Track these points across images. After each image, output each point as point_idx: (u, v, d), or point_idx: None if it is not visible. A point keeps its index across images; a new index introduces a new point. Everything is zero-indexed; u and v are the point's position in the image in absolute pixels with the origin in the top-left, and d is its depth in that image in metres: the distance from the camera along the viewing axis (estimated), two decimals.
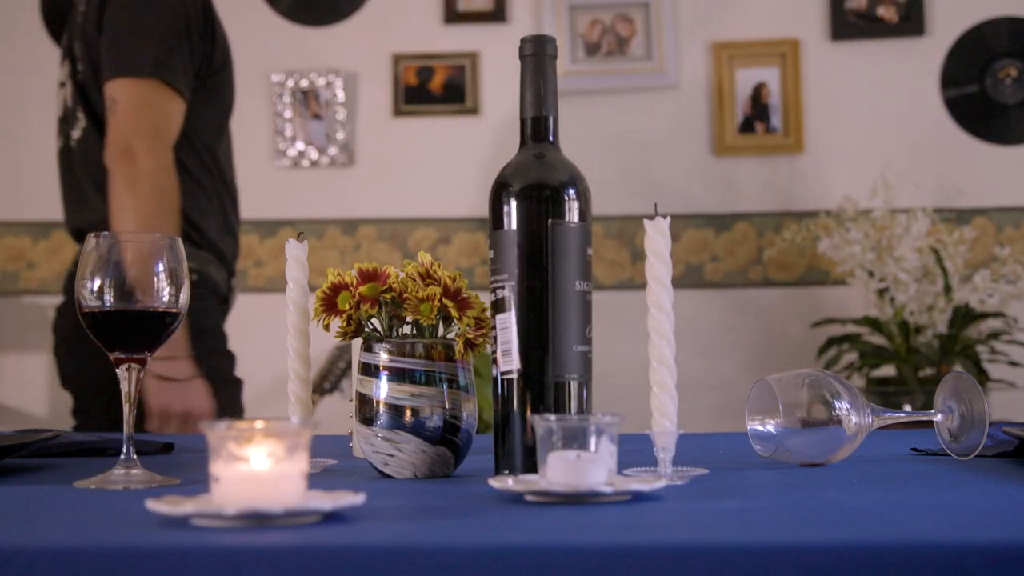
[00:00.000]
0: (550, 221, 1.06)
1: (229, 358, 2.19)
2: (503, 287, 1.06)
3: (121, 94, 1.96)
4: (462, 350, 1.10)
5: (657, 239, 1.01)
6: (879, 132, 3.62)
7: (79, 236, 2.09)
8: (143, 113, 1.95)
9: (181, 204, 2.01)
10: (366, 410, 1.08)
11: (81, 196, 2.12)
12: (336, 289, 1.11)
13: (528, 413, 1.05)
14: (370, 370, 1.08)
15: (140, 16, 1.98)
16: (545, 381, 1.05)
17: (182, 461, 1.30)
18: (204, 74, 2.06)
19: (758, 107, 3.64)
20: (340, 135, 3.75)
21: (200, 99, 2.07)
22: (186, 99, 2.00)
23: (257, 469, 0.78)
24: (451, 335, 1.12)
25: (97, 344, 1.11)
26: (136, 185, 1.92)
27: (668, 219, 1.02)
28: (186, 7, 2.02)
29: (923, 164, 3.57)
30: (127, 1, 2.00)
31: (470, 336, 1.10)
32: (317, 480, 1.02)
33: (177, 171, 2.02)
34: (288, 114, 3.76)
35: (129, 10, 2.00)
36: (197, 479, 1.07)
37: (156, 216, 1.92)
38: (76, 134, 2.12)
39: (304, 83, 3.76)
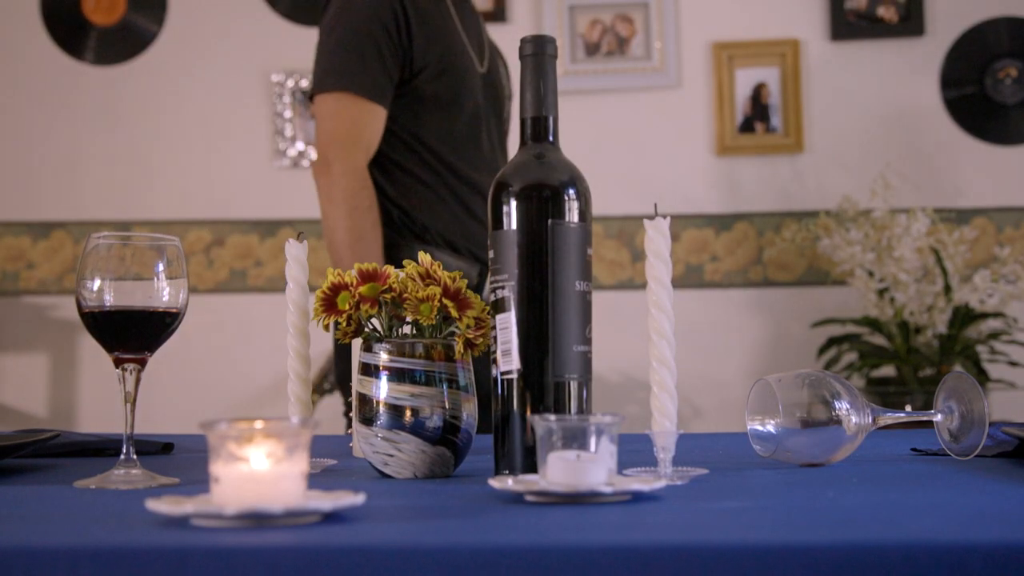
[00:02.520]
0: (550, 221, 1.06)
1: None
2: (503, 287, 1.06)
3: (318, 110, 2.08)
4: (462, 350, 1.10)
5: (657, 239, 1.01)
6: (879, 132, 3.62)
7: None
8: (332, 125, 2.05)
9: (405, 205, 2.11)
10: (366, 410, 1.08)
11: None
12: (336, 289, 1.11)
13: (528, 413, 1.05)
14: (370, 370, 1.08)
15: (332, 34, 2.09)
16: (545, 381, 1.05)
17: (182, 461, 1.30)
18: (407, 77, 2.09)
19: (758, 107, 3.64)
20: None
21: (412, 99, 2.11)
22: (383, 105, 2.06)
23: (257, 469, 0.78)
24: (450, 333, 1.12)
25: None
26: (331, 193, 2.05)
27: (668, 219, 1.02)
28: (377, 15, 2.06)
29: (923, 164, 3.57)
30: (326, 22, 2.12)
31: (470, 336, 1.10)
32: (317, 480, 1.02)
33: (397, 173, 2.11)
34: (288, 114, 3.76)
35: (325, 31, 2.11)
36: (197, 479, 1.07)
37: (353, 216, 2.04)
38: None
39: (304, 83, 3.76)
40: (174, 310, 1.11)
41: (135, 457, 1.08)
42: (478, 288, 2.10)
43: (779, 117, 3.63)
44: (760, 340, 3.58)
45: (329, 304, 1.11)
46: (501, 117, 2.25)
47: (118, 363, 1.10)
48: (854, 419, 1.11)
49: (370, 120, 2.06)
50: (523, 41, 1.12)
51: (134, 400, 1.10)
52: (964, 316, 3.10)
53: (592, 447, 0.88)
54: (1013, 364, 3.16)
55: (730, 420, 3.41)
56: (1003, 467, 1.10)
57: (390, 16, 2.05)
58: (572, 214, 1.07)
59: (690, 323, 3.40)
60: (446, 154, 2.13)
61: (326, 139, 2.06)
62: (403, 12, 2.06)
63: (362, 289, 1.09)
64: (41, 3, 3.84)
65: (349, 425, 1.96)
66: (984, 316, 3.12)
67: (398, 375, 1.07)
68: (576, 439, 0.88)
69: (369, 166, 2.10)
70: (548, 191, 1.07)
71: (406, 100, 2.10)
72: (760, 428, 1.14)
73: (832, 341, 3.26)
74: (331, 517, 0.79)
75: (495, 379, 1.07)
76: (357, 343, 1.17)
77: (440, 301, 1.08)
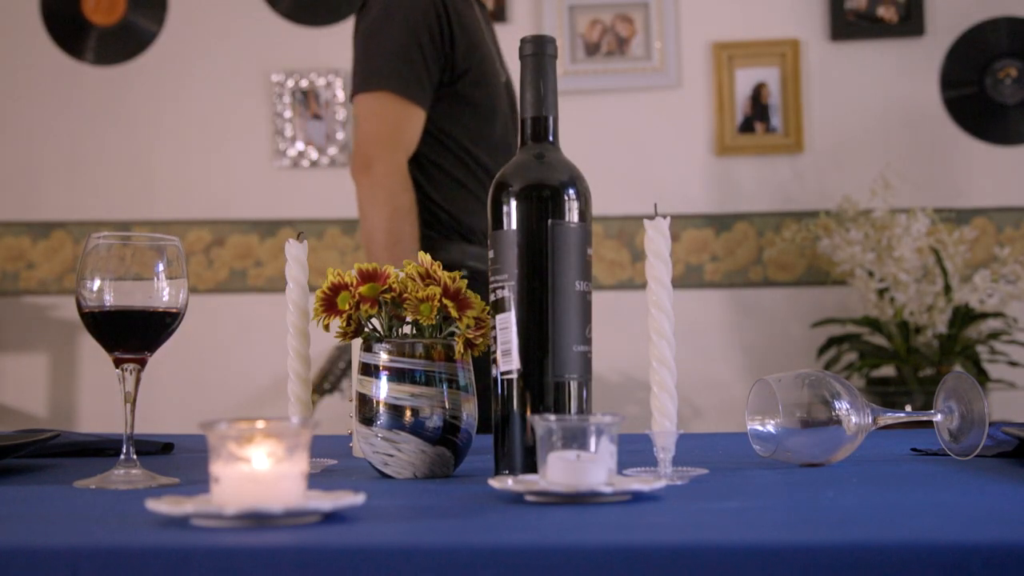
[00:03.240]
0: (550, 221, 1.06)
1: None
2: (503, 287, 1.06)
3: (359, 110, 2.09)
4: (462, 350, 1.10)
5: (657, 239, 1.01)
6: (879, 132, 3.62)
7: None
8: (376, 125, 2.06)
9: (450, 208, 2.11)
10: (366, 410, 1.08)
11: None
12: (336, 289, 1.11)
13: (528, 413, 1.05)
14: (370, 370, 1.08)
15: (373, 34, 2.08)
16: (545, 381, 1.05)
17: (182, 461, 1.30)
18: (448, 80, 2.11)
19: (758, 107, 3.63)
20: (340, 135, 3.75)
21: (452, 103, 2.12)
22: (423, 107, 2.07)
23: (257, 469, 0.78)
24: (450, 333, 1.12)
25: None
26: (374, 194, 2.04)
27: (668, 219, 1.02)
28: (418, 17, 2.06)
29: (923, 164, 3.57)
30: (367, 23, 2.11)
31: (470, 336, 1.10)
32: (317, 480, 1.02)
33: (440, 176, 2.12)
34: (288, 114, 3.76)
35: (367, 31, 2.10)
36: (197, 479, 1.07)
37: (394, 218, 2.04)
38: None
39: (304, 83, 3.76)
40: (174, 310, 1.11)
41: (135, 457, 1.08)
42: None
43: (779, 117, 3.63)
44: (760, 340, 3.58)
45: (329, 304, 1.11)
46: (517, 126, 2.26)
47: (118, 363, 1.10)
48: (854, 419, 1.11)
49: (411, 121, 2.07)
50: (523, 41, 1.12)
51: (134, 400, 1.10)
52: (964, 316, 3.11)
53: (592, 447, 0.88)
54: (1013, 364, 3.16)
55: (730, 420, 3.41)
56: (1003, 467, 1.10)
57: (433, 20, 2.06)
58: (572, 214, 1.07)
59: (690, 323, 3.40)
60: (485, 159, 2.15)
61: (368, 139, 2.06)
62: (445, 16, 2.08)
63: (362, 289, 1.09)
64: (41, 3, 3.84)
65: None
66: (984, 316, 3.12)
67: (398, 375, 1.07)
68: (576, 439, 0.88)
69: (411, 168, 2.11)
70: (548, 191, 1.07)
71: (447, 104, 2.11)
72: (760, 428, 1.14)
73: (832, 341, 3.26)
74: (331, 517, 0.79)
75: (495, 379, 1.07)
76: (357, 343, 1.17)
77: (440, 301, 1.08)
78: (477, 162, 2.14)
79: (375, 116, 2.06)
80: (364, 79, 2.08)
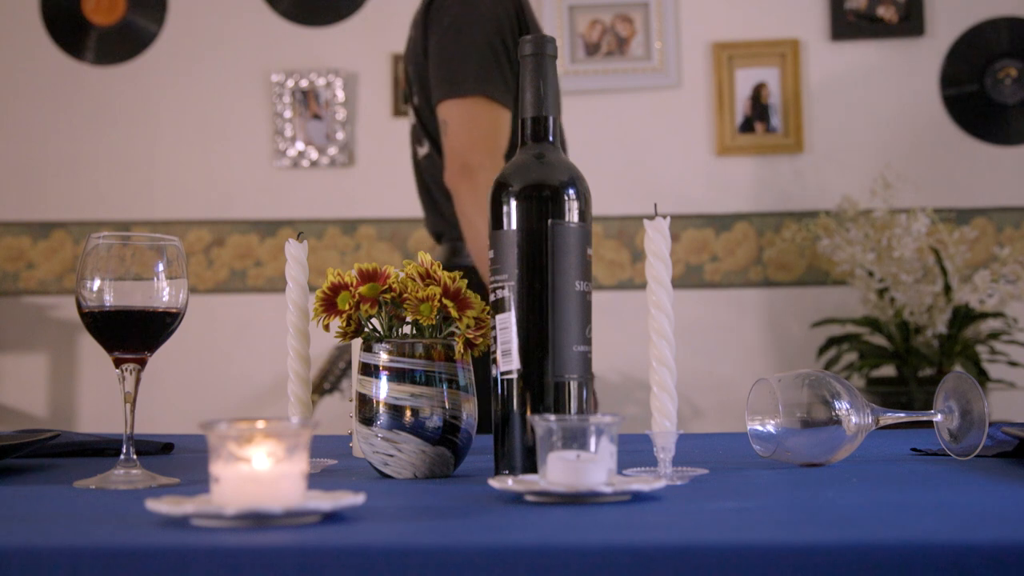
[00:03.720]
0: (550, 221, 1.06)
1: None
2: (503, 287, 1.06)
3: (451, 115, 2.02)
4: (462, 350, 1.10)
5: (657, 239, 1.01)
6: (879, 132, 3.62)
7: (437, 239, 2.20)
8: (473, 130, 2.01)
9: None
10: (366, 410, 1.08)
11: (434, 204, 2.20)
12: (336, 289, 1.11)
13: (528, 413, 1.05)
14: (370, 370, 1.08)
15: (458, 36, 2.03)
16: (545, 381, 1.05)
17: (182, 461, 1.30)
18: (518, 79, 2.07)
19: (758, 107, 3.63)
20: (340, 135, 3.75)
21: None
22: (510, 108, 2.04)
23: (257, 469, 0.78)
24: (450, 333, 1.12)
25: None
26: (478, 202, 1.97)
27: (668, 219, 1.02)
28: (499, 18, 2.03)
29: (923, 164, 3.57)
30: (447, 23, 2.05)
31: (470, 336, 1.10)
32: (317, 480, 1.02)
33: None
34: (288, 114, 3.76)
35: (448, 32, 2.04)
36: (197, 479, 1.07)
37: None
38: (422, 152, 2.19)
39: (304, 83, 3.76)
40: (174, 310, 1.11)
41: (135, 457, 1.08)
42: None
43: (779, 117, 3.63)
44: (760, 340, 3.58)
45: (329, 304, 1.11)
46: None
47: (118, 363, 1.10)
48: (854, 419, 1.11)
49: (505, 126, 2.03)
50: (523, 41, 1.11)
51: (134, 400, 1.10)
52: (964, 316, 3.10)
53: (592, 447, 0.88)
54: (1013, 364, 3.16)
55: (730, 420, 3.41)
56: (1003, 467, 1.10)
57: (512, 18, 2.03)
58: (572, 214, 1.07)
59: (690, 323, 3.40)
60: None
61: (467, 147, 2.00)
62: (518, 17, 2.05)
63: (362, 289, 1.09)
64: (41, 3, 3.84)
65: None
66: (984, 316, 3.12)
67: (398, 375, 1.07)
68: (576, 439, 0.88)
69: None
70: (548, 191, 1.07)
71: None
72: (760, 428, 1.14)
73: (832, 341, 3.26)
74: (331, 517, 0.79)
75: (495, 379, 1.07)
76: (357, 343, 1.17)
77: (440, 301, 1.08)
78: None
79: (471, 123, 2.01)
80: (455, 84, 2.02)
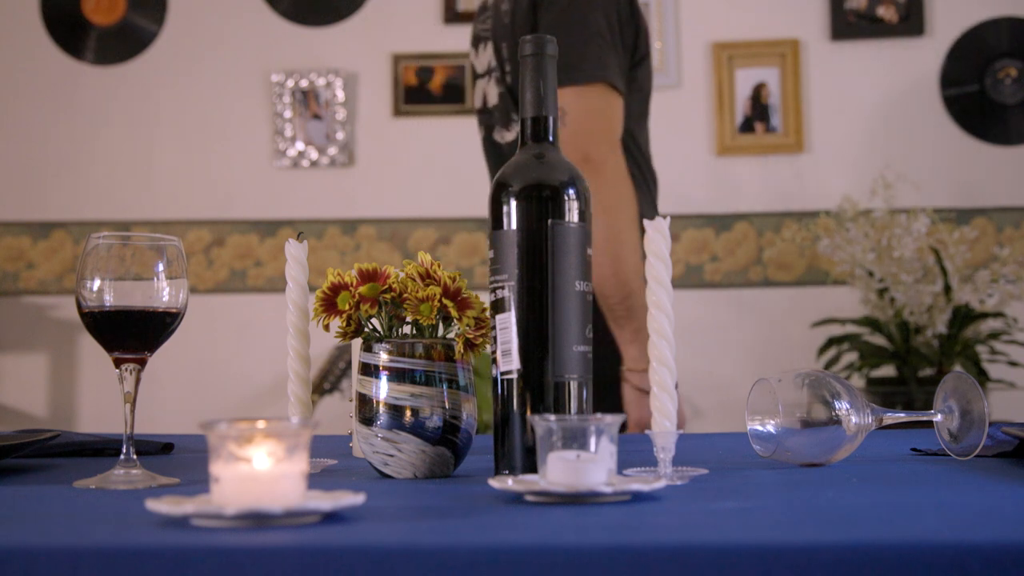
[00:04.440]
0: (550, 221, 1.06)
1: None
2: (503, 287, 1.06)
3: (569, 104, 1.89)
4: (462, 350, 1.10)
5: (657, 239, 1.01)
6: (879, 132, 3.62)
7: None
8: (595, 121, 1.89)
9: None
10: (366, 410, 1.08)
11: None
12: (336, 289, 1.11)
13: (528, 413, 1.05)
14: (370, 370, 1.08)
15: (576, 19, 1.90)
16: (545, 381, 1.05)
17: (182, 461, 1.30)
18: (629, 65, 1.97)
19: (758, 107, 3.64)
20: (340, 135, 3.75)
21: (630, 90, 1.99)
22: (624, 96, 1.93)
23: (257, 469, 0.78)
24: (451, 335, 1.12)
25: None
26: (599, 197, 1.82)
27: (668, 219, 1.02)
28: (617, 2, 1.93)
29: (923, 164, 3.57)
30: (564, 4, 1.92)
31: (470, 336, 1.10)
32: (317, 480, 1.01)
33: None
34: (288, 114, 3.76)
35: (564, 13, 1.91)
36: (197, 479, 1.07)
37: (622, 229, 1.86)
38: (509, 137, 2.07)
39: (304, 83, 3.76)
40: (174, 310, 1.11)
41: (135, 457, 1.08)
42: None
43: (779, 117, 3.63)
44: (760, 340, 3.58)
45: (329, 304, 1.11)
46: None
47: (118, 363, 1.10)
48: (854, 419, 1.11)
49: (621, 113, 1.92)
50: (523, 41, 1.11)
51: (134, 400, 1.10)
52: (964, 316, 3.10)
53: (592, 447, 0.88)
54: (1013, 364, 3.16)
55: (730, 420, 3.41)
56: (1003, 467, 1.10)
57: (625, 3, 1.94)
58: (572, 214, 1.07)
59: (690, 323, 3.40)
60: (643, 144, 2.05)
61: (588, 137, 1.88)
62: (629, 1, 1.96)
63: (362, 289, 1.09)
64: (41, 3, 3.84)
65: None
66: (984, 316, 3.12)
67: (398, 375, 1.07)
68: (576, 439, 0.88)
69: None
70: (548, 191, 1.07)
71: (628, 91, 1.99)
72: (760, 428, 1.14)
73: (832, 341, 3.26)
74: (331, 517, 0.79)
75: (495, 379, 1.07)
76: (357, 343, 1.17)
77: (440, 301, 1.08)
78: (640, 149, 2.04)
79: (594, 112, 1.89)
80: (574, 69, 1.89)
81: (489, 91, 2.09)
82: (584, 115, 1.87)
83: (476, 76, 2.13)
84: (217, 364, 3.70)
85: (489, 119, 2.10)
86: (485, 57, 2.09)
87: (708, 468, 1.08)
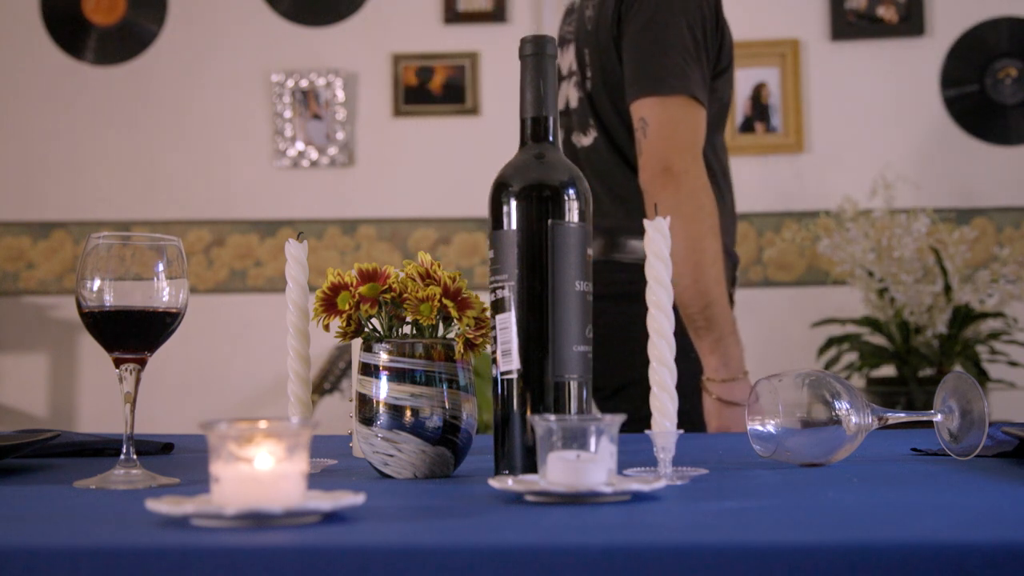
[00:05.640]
0: (550, 221, 1.06)
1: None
2: (503, 287, 1.06)
3: (651, 114, 1.88)
4: (462, 350, 1.10)
5: (657, 239, 1.01)
6: (879, 132, 3.62)
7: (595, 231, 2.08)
8: (676, 132, 1.88)
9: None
10: (366, 410, 1.08)
11: (594, 196, 2.11)
12: (336, 289, 1.11)
13: (528, 413, 1.05)
14: (370, 370, 1.08)
15: (660, 30, 1.90)
16: (545, 381, 1.05)
17: (182, 461, 1.30)
18: (711, 75, 1.97)
19: (758, 107, 3.63)
20: (340, 135, 3.75)
21: (711, 101, 1.99)
22: (706, 107, 1.92)
23: (257, 469, 0.78)
24: (451, 335, 1.12)
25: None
26: (680, 207, 1.83)
27: (668, 219, 1.02)
28: (703, 13, 1.92)
29: (923, 164, 3.57)
30: (649, 15, 1.92)
31: (470, 336, 1.10)
32: (317, 480, 1.01)
33: None
34: (288, 114, 3.76)
35: (649, 24, 1.91)
36: (197, 479, 1.07)
37: (702, 238, 1.84)
38: (586, 141, 2.07)
39: (304, 83, 3.76)
40: (174, 310, 1.11)
41: (135, 457, 1.08)
42: (731, 282, 2.03)
43: (779, 117, 3.63)
44: (760, 340, 3.58)
45: (329, 304, 1.11)
46: None
47: (118, 363, 1.10)
48: (854, 419, 1.11)
49: (703, 126, 1.91)
50: (523, 41, 1.12)
51: (134, 400, 1.10)
52: (964, 316, 3.10)
53: (592, 447, 0.88)
54: (1013, 364, 3.16)
55: None
56: (1003, 467, 1.10)
57: (709, 14, 1.93)
58: (572, 214, 1.07)
59: None
60: (720, 153, 2.05)
61: (670, 148, 1.86)
62: (714, 12, 1.95)
63: (362, 289, 1.09)
64: (41, 3, 3.84)
65: None
66: (984, 316, 3.12)
67: (398, 375, 1.07)
68: (576, 439, 0.88)
69: None
70: (548, 191, 1.07)
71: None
72: (760, 428, 1.14)
73: (832, 341, 3.26)
74: (331, 517, 0.79)
75: (495, 379, 1.07)
76: (357, 343, 1.17)
77: (440, 301, 1.08)
78: (718, 159, 2.03)
79: (674, 123, 1.87)
80: (658, 80, 1.88)
81: (571, 94, 2.10)
82: (665, 126, 1.87)
83: (560, 77, 2.12)
84: (217, 364, 3.70)
85: (568, 121, 2.11)
86: (567, 60, 2.10)
87: (708, 468, 1.08)
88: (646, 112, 1.87)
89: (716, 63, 1.97)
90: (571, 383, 1.06)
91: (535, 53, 1.11)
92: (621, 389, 1.97)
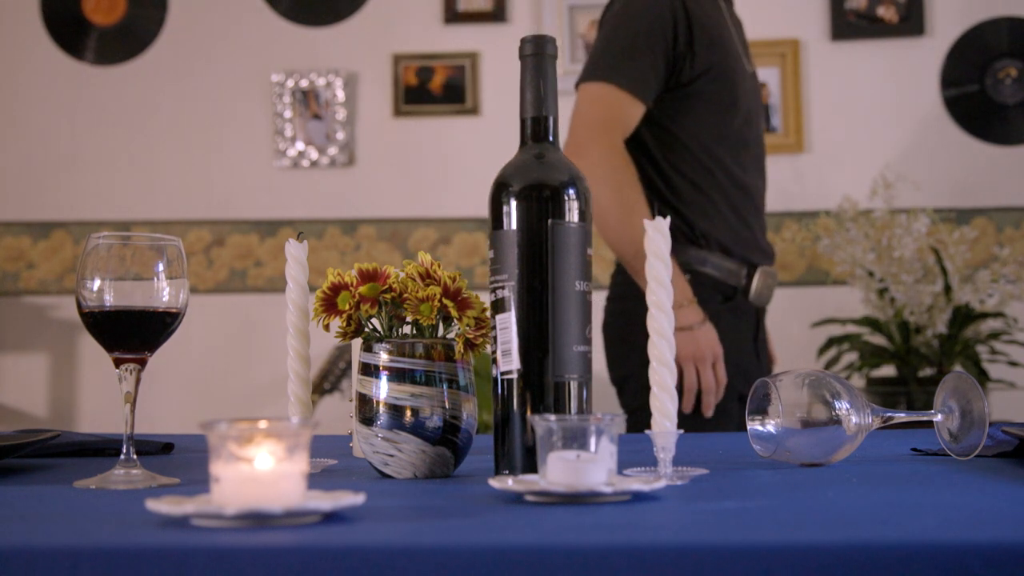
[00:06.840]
0: (550, 221, 1.06)
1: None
2: (503, 287, 1.06)
3: (579, 97, 2.07)
4: (462, 350, 1.10)
5: (657, 239, 1.01)
6: (879, 132, 3.62)
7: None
8: (586, 112, 2.05)
9: (683, 210, 2.08)
10: (366, 410, 1.08)
11: None
12: (336, 289, 1.11)
13: (528, 413, 1.05)
14: (370, 370, 1.08)
15: (612, 28, 2.09)
16: (545, 381, 1.05)
17: (182, 461, 1.30)
18: (687, 79, 2.08)
19: None
20: (340, 135, 3.75)
21: (694, 103, 2.10)
22: (643, 101, 2.05)
23: (257, 469, 0.78)
24: (451, 335, 1.12)
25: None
26: (593, 172, 1.93)
27: (668, 219, 1.02)
28: (654, 21, 2.05)
29: (923, 164, 3.57)
30: (614, 15, 2.10)
31: (470, 336, 1.10)
32: (317, 480, 1.02)
33: (675, 177, 2.09)
34: (288, 114, 3.76)
35: (611, 19, 2.10)
36: (197, 479, 1.07)
37: (622, 189, 2.00)
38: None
39: (304, 83, 3.76)
40: (174, 310, 1.11)
41: (135, 457, 1.08)
42: (746, 289, 2.10)
43: (779, 117, 3.63)
44: None
45: (329, 304, 1.11)
46: (763, 116, 2.26)
47: (118, 363, 1.10)
48: (854, 419, 1.11)
49: (627, 108, 2.04)
50: (523, 41, 1.12)
51: (134, 400, 1.10)
52: (964, 316, 3.10)
53: (592, 447, 0.88)
54: (1013, 364, 3.16)
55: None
56: (1003, 467, 1.10)
57: (669, 22, 2.05)
58: (572, 214, 1.07)
59: None
60: (722, 156, 2.12)
61: (581, 123, 2.04)
62: (685, 19, 2.06)
63: (362, 289, 1.09)
64: (41, 3, 3.84)
65: None
66: (984, 316, 3.12)
67: (398, 375, 1.07)
68: (576, 439, 0.88)
69: (647, 171, 2.09)
70: (548, 191, 1.07)
71: (688, 102, 2.09)
72: (760, 428, 1.14)
73: (832, 341, 3.26)
74: (331, 517, 0.79)
75: (495, 379, 1.07)
76: (357, 343, 1.17)
77: (440, 301, 1.08)
78: (716, 160, 2.11)
79: (590, 102, 2.05)
80: (588, 71, 2.08)
81: None
82: (579, 107, 2.06)
83: None
84: (217, 364, 3.70)
85: None
86: None
87: (708, 468, 1.08)
88: (578, 96, 2.08)
89: (690, 65, 2.08)
90: (571, 383, 1.06)
91: (535, 53, 1.11)
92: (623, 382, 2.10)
